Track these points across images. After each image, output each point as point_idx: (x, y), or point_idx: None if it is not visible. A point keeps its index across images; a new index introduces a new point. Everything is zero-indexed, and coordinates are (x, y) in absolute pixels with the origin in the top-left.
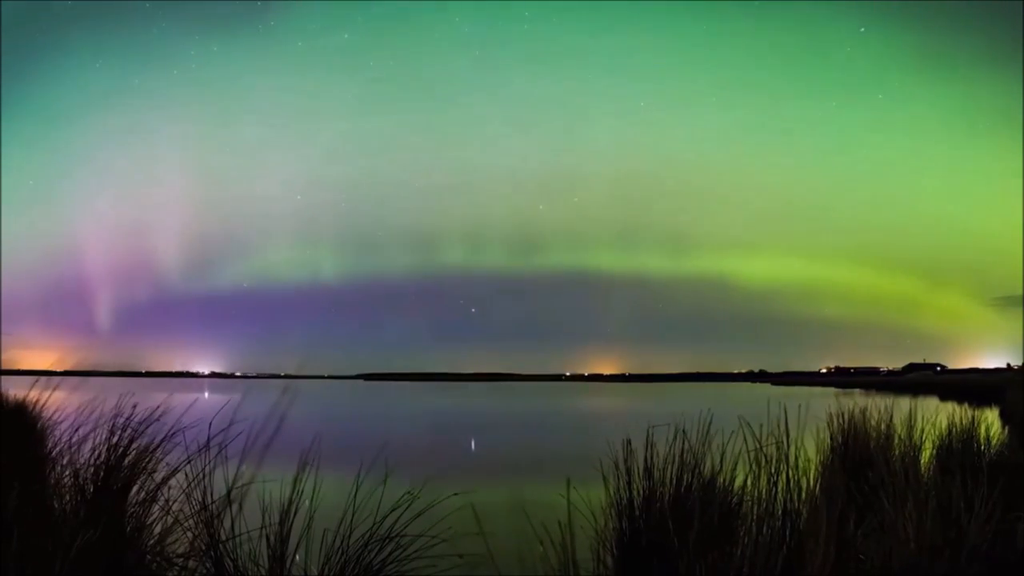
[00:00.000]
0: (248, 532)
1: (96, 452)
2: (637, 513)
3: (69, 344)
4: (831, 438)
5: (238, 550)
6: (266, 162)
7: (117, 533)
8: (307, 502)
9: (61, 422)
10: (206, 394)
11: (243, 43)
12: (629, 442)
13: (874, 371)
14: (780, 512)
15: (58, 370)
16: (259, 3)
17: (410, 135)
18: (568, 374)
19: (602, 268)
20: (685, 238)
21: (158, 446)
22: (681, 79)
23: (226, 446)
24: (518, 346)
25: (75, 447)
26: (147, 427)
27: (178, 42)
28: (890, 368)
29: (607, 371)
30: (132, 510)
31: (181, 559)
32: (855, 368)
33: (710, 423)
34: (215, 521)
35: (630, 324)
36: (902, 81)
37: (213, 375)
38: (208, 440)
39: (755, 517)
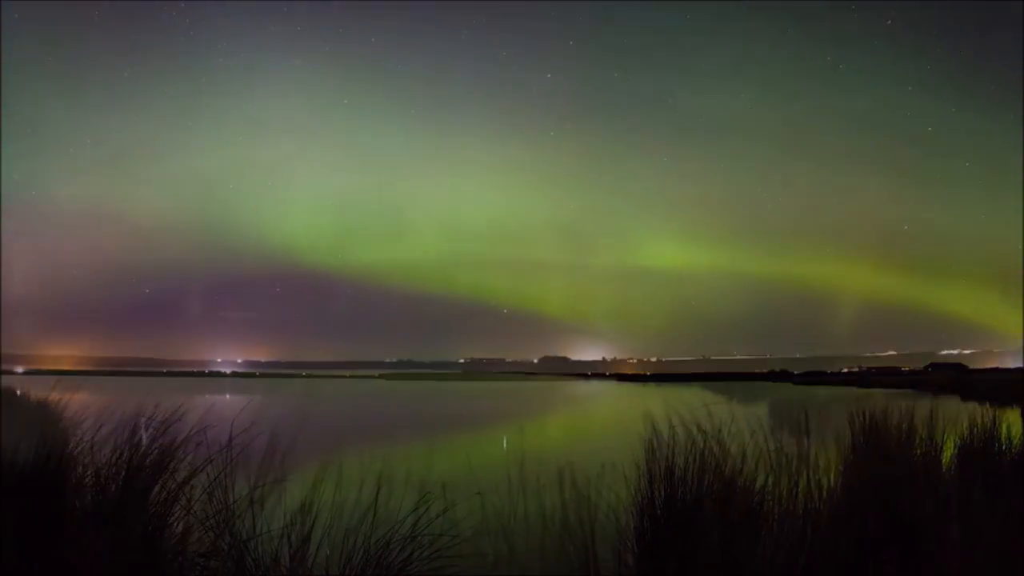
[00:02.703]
0: (269, 532)
1: (117, 452)
2: (658, 512)
3: (93, 340)
4: (852, 437)
5: (259, 550)
6: (295, 165)
7: (138, 533)
8: (329, 501)
9: (83, 421)
10: (228, 396)
11: (270, 47)
12: (651, 441)
13: (895, 371)
14: (801, 511)
15: (83, 368)
16: (285, 9)
17: (432, 136)
18: (589, 373)
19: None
20: (706, 236)
21: (180, 445)
22: (705, 71)
23: (248, 445)
24: (543, 343)
25: (97, 446)
26: (169, 426)
27: (205, 48)
28: (911, 368)
29: (628, 371)
30: (154, 509)
31: (202, 559)
32: (876, 368)
33: (731, 423)
34: (236, 521)
35: (654, 321)
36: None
37: (235, 374)
38: (230, 439)
39: (776, 516)
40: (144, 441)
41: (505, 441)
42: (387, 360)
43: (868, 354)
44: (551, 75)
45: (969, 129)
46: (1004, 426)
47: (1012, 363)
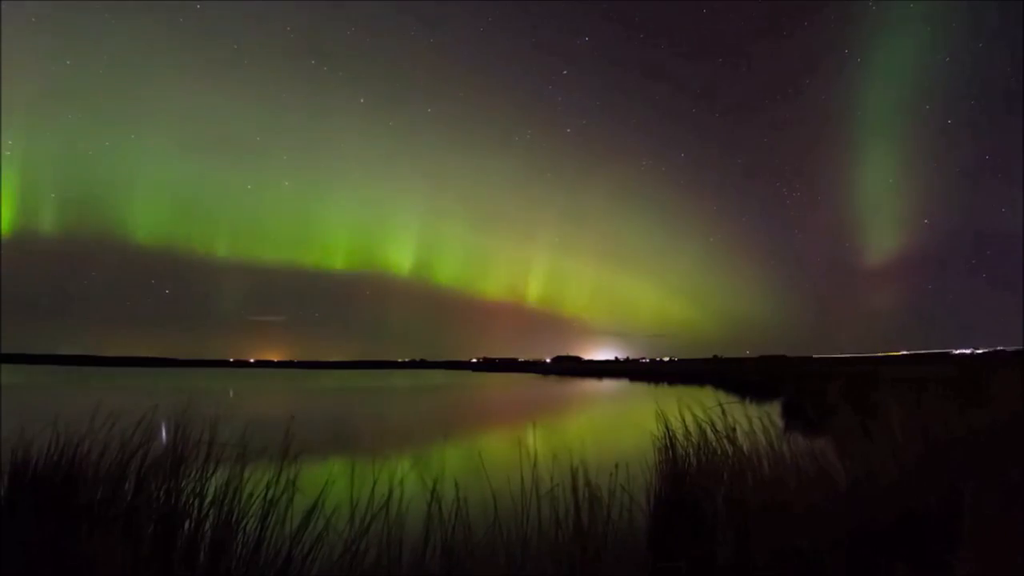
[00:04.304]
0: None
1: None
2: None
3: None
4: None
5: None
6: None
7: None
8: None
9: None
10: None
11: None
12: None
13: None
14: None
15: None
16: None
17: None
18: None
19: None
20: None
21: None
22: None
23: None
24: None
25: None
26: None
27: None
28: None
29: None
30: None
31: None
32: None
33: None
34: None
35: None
36: None
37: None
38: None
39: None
40: (156, 439)
41: (518, 440)
42: (400, 360)
43: (880, 353)
44: (567, 71)
45: None
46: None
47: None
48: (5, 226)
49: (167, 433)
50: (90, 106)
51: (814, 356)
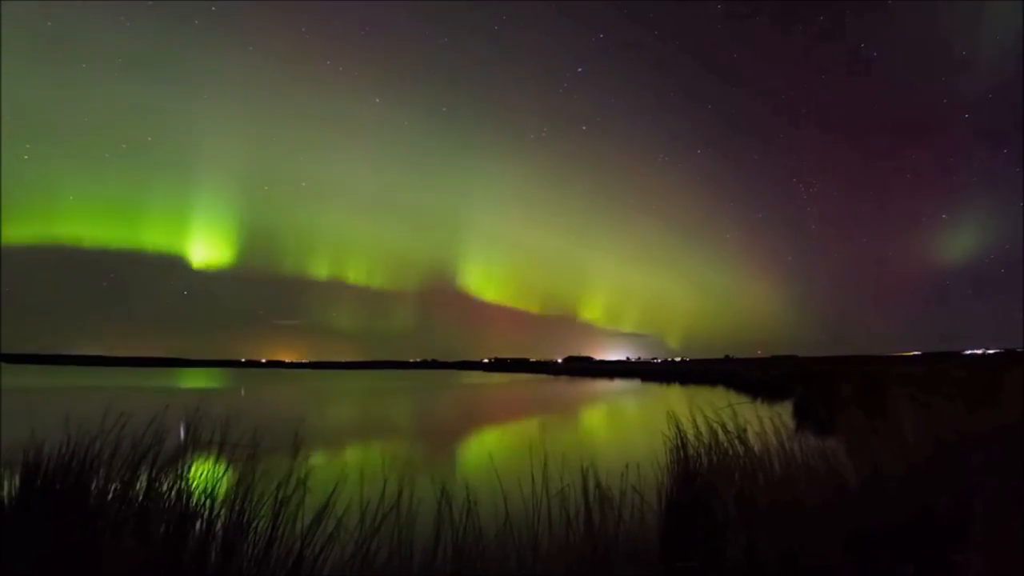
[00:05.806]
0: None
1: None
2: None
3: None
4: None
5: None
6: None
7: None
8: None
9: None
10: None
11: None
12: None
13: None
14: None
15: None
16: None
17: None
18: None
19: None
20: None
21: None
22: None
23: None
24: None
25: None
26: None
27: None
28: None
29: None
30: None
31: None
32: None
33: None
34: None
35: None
36: None
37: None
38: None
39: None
40: (167, 439)
41: (528, 440)
42: (412, 360)
43: (892, 353)
44: (582, 69)
45: None
46: None
47: None
48: (22, 232)
49: (179, 433)
50: (106, 110)
51: (825, 356)
